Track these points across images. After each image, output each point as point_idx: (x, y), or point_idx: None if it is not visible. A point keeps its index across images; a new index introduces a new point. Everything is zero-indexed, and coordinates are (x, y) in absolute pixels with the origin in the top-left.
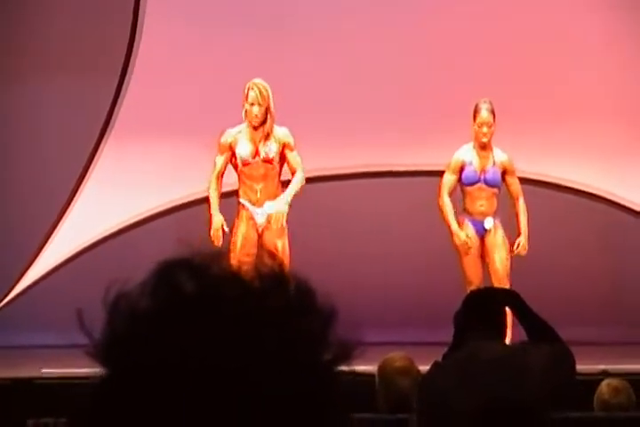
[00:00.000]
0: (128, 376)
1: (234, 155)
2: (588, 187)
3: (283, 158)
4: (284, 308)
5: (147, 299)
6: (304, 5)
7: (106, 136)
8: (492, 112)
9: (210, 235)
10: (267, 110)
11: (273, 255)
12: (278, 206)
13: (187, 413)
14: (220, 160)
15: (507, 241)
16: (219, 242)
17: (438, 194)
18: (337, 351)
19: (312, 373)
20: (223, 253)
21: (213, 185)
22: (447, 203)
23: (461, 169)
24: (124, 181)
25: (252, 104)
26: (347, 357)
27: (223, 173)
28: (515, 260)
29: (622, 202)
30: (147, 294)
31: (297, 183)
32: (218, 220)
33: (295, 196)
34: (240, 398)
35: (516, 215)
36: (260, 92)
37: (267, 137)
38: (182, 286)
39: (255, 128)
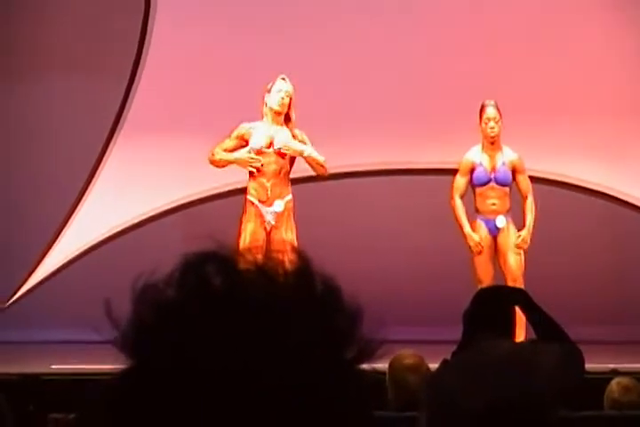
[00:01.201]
0: (153, 367)
1: (244, 146)
2: (590, 183)
3: (293, 158)
4: (309, 304)
5: (174, 290)
6: (315, 8)
7: (115, 135)
8: (498, 110)
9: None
10: (290, 103)
11: (298, 252)
12: (296, 145)
13: (207, 405)
14: (230, 142)
15: None
16: (259, 162)
17: (450, 196)
18: (361, 349)
19: (335, 370)
20: (249, 247)
21: (221, 152)
22: (459, 205)
23: (472, 170)
24: (133, 180)
25: (280, 91)
26: (370, 355)
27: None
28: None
29: (627, 199)
30: (174, 285)
31: (320, 156)
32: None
33: (313, 160)
34: (261, 393)
35: (523, 212)
36: (289, 86)
37: (284, 130)
38: (210, 278)
39: (277, 114)
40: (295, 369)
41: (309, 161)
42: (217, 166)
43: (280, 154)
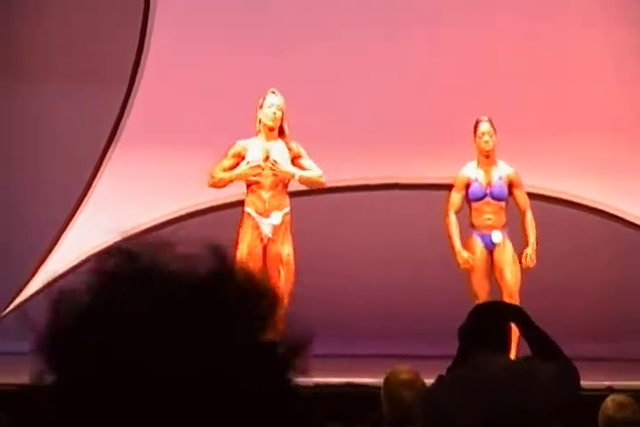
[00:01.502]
0: (76, 371)
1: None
2: (586, 200)
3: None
4: (224, 295)
5: (86, 290)
6: (313, 17)
7: (113, 145)
8: (492, 125)
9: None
10: (282, 117)
11: (219, 249)
12: (287, 167)
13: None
14: (227, 162)
15: (516, 256)
16: (260, 168)
17: (445, 213)
18: (288, 343)
19: (253, 356)
20: (168, 244)
21: (220, 173)
22: (453, 221)
23: (467, 186)
24: (130, 189)
25: (272, 105)
26: (298, 349)
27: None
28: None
29: (624, 216)
30: (86, 284)
31: (314, 172)
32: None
33: (307, 180)
34: (182, 382)
35: (524, 228)
36: (280, 100)
37: (280, 144)
38: (117, 270)
39: (271, 130)
40: (209, 354)
41: (303, 182)
42: (218, 187)
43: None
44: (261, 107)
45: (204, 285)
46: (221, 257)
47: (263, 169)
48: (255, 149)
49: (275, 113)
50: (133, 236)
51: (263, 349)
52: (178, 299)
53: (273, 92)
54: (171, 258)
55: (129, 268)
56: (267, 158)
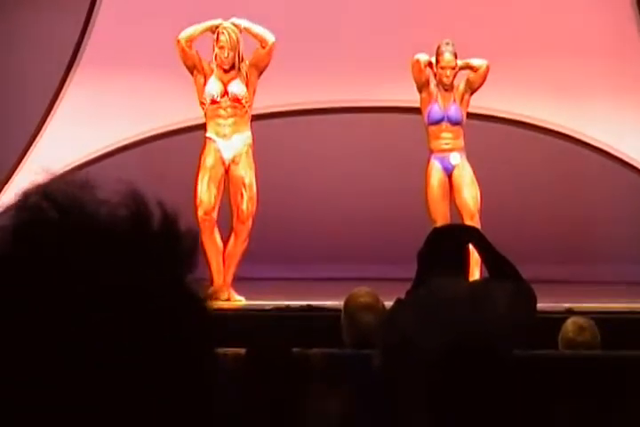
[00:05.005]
0: None
1: (201, 64)
2: (549, 124)
3: (252, 99)
4: (144, 238)
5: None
6: None
7: (73, 69)
8: (455, 55)
9: None
10: (236, 54)
11: (137, 192)
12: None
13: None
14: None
15: (475, 178)
16: None
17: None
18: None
19: (167, 290)
20: (88, 185)
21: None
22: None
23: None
24: (90, 114)
25: (222, 48)
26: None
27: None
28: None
29: (587, 140)
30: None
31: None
32: None
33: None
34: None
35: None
36: (230, 37)
37: (236, 78)
38: (34, 214)
39: (225, 71)
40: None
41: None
42: (187, 45)
43: (236, 100)
44: (217, 42)
45: (124, 227)
46: (140, 201)
47: (220, 102)
48: (213, 81)
49: (225, 58)
50: (62, 174)
51: (184, 289)
52: (96, 241)
53: (221, 32)
54: (90, 200)
55: (47, 210)
56: (225, 92)
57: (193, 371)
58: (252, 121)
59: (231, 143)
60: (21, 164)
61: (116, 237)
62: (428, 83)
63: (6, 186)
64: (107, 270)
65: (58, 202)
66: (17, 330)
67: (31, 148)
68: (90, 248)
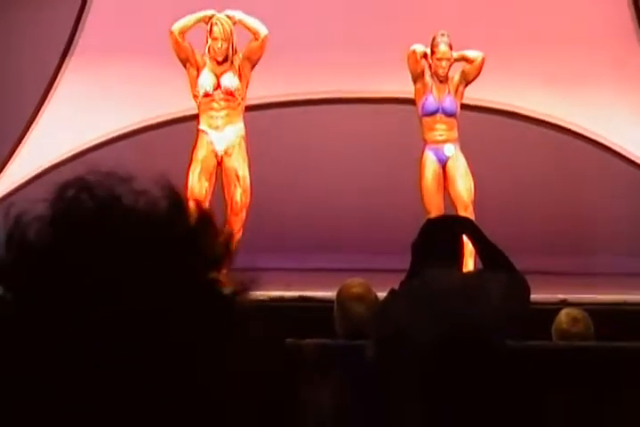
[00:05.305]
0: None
1: (194, 56)
2: (543, 115)
3: (245, 92)
4: (180, 232)
5: (45, 213)
6: None
7: (68, 57)
8: (450, 46)
9: None
10: (230, 46)
11: (172, 186)
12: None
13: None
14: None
15: (469, 169)
16: None
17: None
18: (238, 282)
19: (195, 290)
20: (129, 177)
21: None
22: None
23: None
24: (86, 102)
25: (216, 39)
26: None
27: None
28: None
29: (582, 131)
30: (46, 210)
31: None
32: None
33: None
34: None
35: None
36: (224, 28)
37: (229, 71)
38: (77, 201)
39: (218, 63)
40: (153, 288)
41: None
42: (180, 37)
43: (229, 93)
44: (210, 33)
45: (163, 221)
46: (175, 195)
47: (214, 95)
48: (206, 73)
49: (219, 49)
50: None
51: (207, 287)
52: (135, 235)
53: (215, 24)
54: (128, 192)
55: (87, 201)
56: (218, 85)
57: (194, 371)
58: (245, 112)
59: (224, 135)
60: (16, 152)
61: (155, 230)
62: (423, 74)
63: (1, 174)
64: (126, 265)
65: (96, 194)
66: (24, 327)
67: (26, 136)
68: (125, 243)
